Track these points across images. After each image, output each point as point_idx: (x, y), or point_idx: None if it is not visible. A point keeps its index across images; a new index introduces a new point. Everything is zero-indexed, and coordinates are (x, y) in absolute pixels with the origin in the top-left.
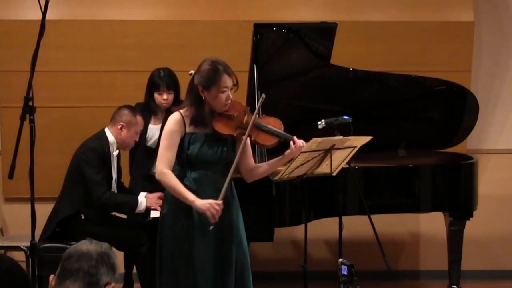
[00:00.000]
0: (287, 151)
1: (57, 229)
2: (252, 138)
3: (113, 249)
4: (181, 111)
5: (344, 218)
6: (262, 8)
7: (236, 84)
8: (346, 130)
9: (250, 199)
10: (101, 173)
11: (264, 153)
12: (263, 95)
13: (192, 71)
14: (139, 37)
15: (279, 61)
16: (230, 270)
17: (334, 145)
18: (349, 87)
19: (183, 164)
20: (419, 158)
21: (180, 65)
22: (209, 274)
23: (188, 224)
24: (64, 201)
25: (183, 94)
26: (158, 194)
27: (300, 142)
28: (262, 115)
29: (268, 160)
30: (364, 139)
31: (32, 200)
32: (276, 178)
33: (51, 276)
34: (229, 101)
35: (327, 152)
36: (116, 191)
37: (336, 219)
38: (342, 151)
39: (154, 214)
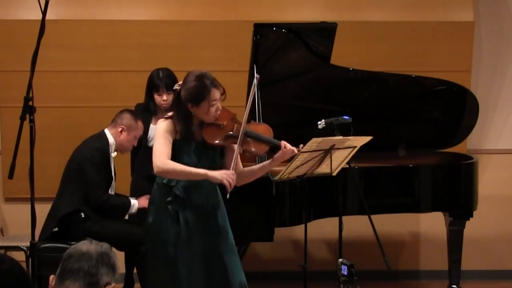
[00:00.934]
0: (276, 155)
1: (57, 228)
2: (243, 148)
3: (114, 249)
4: (172, 120)
5: (344, 218)
6: (262, 8)
7: (223, 93)
8: (346, 130)
9: (250, 199)
10: (102, 175)
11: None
12: (257, 76)
13: (177, 86)
14: (139, 37)
15: (279, 61)
16: (220, 276)
17: (334, 145)
18: (349, 87)
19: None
20: (419, 158)
21: (180, 65)
22: (198, 282)
23: (175, 232)
24: (64, 198)
25: None
26: (146, 195)
27: (289, 146)
28: (251, 122)
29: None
30: (364, 139)
31: (32, 200)
32: (276, 178)
33: (51, 276)
34: (219, 112)
35: (327, 152)
36: (114, 192)
37: (336, 219)
38: (342, 151)
39: None
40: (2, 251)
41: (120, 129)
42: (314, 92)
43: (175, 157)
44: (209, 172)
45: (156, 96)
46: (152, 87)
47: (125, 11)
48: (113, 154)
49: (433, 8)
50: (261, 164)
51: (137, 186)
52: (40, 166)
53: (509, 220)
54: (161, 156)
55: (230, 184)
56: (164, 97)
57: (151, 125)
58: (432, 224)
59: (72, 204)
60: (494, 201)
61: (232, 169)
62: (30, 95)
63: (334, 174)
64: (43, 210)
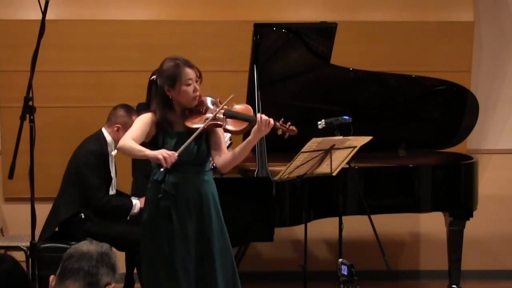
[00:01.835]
0: (254, 128)
1: (57, 229)
2: (224, 127)
3: (114, 249)
4: (152, 113)
5: (344, 218)
6: (262, 8)
7: (200, 76)
8: (346, 130)
9: (250, 199)
10: (101, 177)
11: (264, 154)
12: (232, 95)
13: (154, 76)
14: (139, 37)
15: (279, 61)
16: (212, 273)
17: (334, 145)
18: (349, 87)
19: (161, 167)
20: (419, 158)
21: None
22: (191, 278)
23: (169, 229)
24: (64, 202)
25: None
26: None
27: (264, 117)
28: (233, 105)
29: (268, 159)
30: (364, 139)
31: (32, 200)
32: (276, 178)
33: (51, 276)
34: (197, 93)
35: (327, 152)
36: (115, 191)
37: (336, 219)
38: (342, 151)
39: None
40: (2, 251)
41: (116, 128)
42: (314, 92)
43: (160, 148)
44: (147, 150)
45: None
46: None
47: (125, 11)
48: (113, 153)
49: (433, 8)
50: (242, 144)
51: (138, 185)
52: (40, 166)
53: (509, 220)
54: (126, 136)
55: (165, 159)
56: None
57: None
58: (432, 224)
59: (73, 207)
60: (494, 201)
61: (180, 150)
62: (30, 95)
63: (334, 174)
64: (43, 210)
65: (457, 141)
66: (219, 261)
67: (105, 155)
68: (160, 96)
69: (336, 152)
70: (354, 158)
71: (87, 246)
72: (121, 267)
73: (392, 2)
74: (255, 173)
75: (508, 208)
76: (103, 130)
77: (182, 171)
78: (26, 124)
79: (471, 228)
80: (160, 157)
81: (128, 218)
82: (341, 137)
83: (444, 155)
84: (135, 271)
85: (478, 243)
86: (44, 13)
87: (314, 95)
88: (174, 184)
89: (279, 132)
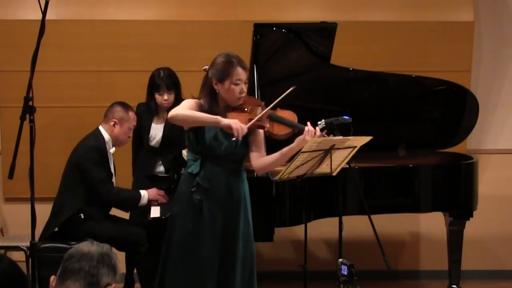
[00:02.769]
0: (300, 137)
1: (57, 229)
2: (266, 130)
3: (114, 249)
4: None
5: (344, 218)
6: (262, 8)
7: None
8: (346, 130)
9: (251, 199)
10: (105, 171)
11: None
12: (294, 87)
13: (206, 66)
14: (139, 37)
15: (279, 61)
16: (234, 269)
17: (334, 145)
18: (349, 87)
19: (197, 157)
20: (419, 158)
21: (180, 65)
22: (214, 272)
23: (199, 222)
24: (66, 200)
25: (184, 94)
26: (157, 190)
27: (311, 128)
28: (277, 109)
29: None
30: (364, 139)
31: (32, 200)
32: (276, 178)
33: (52, 277)
34: (243, 95)
35: (327, 152)
36: None
37: (336, 219)
38: (342, 151)
39: (154, 214)
40: (2, 251)
41: (112, 123)
42: (314, 92)
43: (200, 139)
44: (220, 118)
45: (157, 96)
46: (153, 86)
47: (125, 11)
48: (112, 150)
49: (433, 8)
50: (284, 149)
51: (138, 185)
52: (40, 166)
53: (509, 220)
54: (179, 107)
55: (237, 130)
56: (165, 97)
57: (153, 125)
58: (432, 224)
59: (75, 205)
60: (494, 201)
61: (248, 127)
62: (30, 95)
63: (334, 174)
64: (43, 210)
65: (457, 141)
66: (240, 259)
67: (105, 152)
68: (208, 87)
69: (336, 152)
70: (354, 158)
71: (87, 246)
72: (121, 267)
73: (392, 2)
74: (255, 173)
75: (508, 208)
76: (100, 128)
77: (218, 166)
78: (26, 124)
79: (471, 228)
80: (235, 126)
81: (127, 217)
82: (341, 137)
83: (444, 155)
84: (135, 271)
85: (478, 243)
86: (44, 13)
87: (314, 95)
88: (209, 179)
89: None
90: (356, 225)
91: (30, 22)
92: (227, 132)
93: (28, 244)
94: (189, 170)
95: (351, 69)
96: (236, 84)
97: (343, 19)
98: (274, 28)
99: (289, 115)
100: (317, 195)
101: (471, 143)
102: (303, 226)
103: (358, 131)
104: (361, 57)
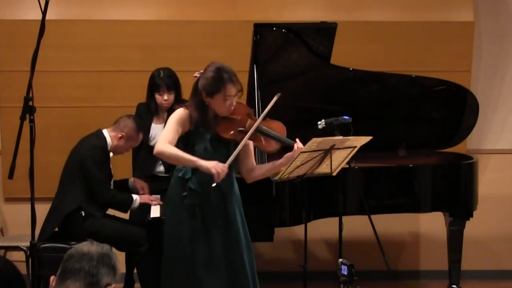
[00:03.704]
0: (288, 154)
1: (57, 227)
2: (255, 143)
3: (114, 249)
4: (188, 109)
5: (344, 218)
6: (262, 8)
7: (240, 90)
8: (346, 130)
9: (251, 199)
10: (105, 171)
11: (264, 155)
12: (279, 94)
13: (197, 74)
14: (139, 37)
15: (279, 61)
16: (240, 269)
17: (334, 145)
18: (349, 87)
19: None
20: (419, 158)
21: (180, 65)
22: (214, 273)
23: (192, 226)
24: (65, 197)
25: (184, 94)
26: (148, 196)
27: (300, 145)
28: (266, 119)
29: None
30: (364, 139)
31: (32, 200)
32: (276, 178)
33: (52, 277)
34: (232, 107)
35: (327, 152)
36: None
37: (336, 219)
38: (342, 151)
39: (154, 213)
40: (2, 251)
41: (120, 136)
42: (314, 92)
43: (190, 147)
44: (200, 160)
45: (157, 96)
46: (153, 86)
47: (125, 11)
48: (111, 154)
49: (433, 8)
50: (273, 162)
51: None
52: (40, 166)
53: (509, 220)
54: (162, 140)
55: (218, 174)
56: (165, 97)
57: (153, 125)
58: (432, 224)
59: (75, 201)
60: (494, 201)
61: (228, 164)
62: (30, 95)
63: (334, 174)
64: (43, 210)
65: (457, 141)
66: (246, 252)
67: (107, 153)
68: (197, 98)
69: (336, 152)
70: (354, 158)
71: (87, 246)
72: (121, 267)
73: (392, 2)
74: None
75: (508, 208)
76: (104, 131)
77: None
78: (26, 124)
79: (471, 228)
80: (214, 171)
81: (127, 217)
82: (341, 137)
83: (444, 155)
84: (135, 271)
85: (478, 243)
86: (44, 13)
87: (314, 95)
88: (201, 183)
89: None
90: (356, 225)
91: (30, 22)
92: (218, 144)
93: (28, 244)
94: (180, 175)
95: (351, 69)
96: (226, 100)
97: (343, 19)
98: (274, 28)
99: (278, 127)
100: (317, 195)
101: (471, 143)
102: (303, 226)
103: (358, 131)
104: (361, 57)
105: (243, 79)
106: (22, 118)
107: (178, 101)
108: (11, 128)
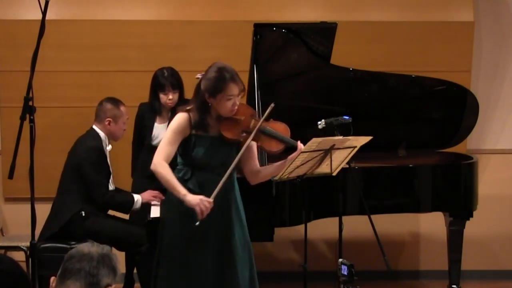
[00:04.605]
0: (291, 155)
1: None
2: (258, 144)
3: (114, 249)
4: (190, 113)
5: (344, 218)
6: (262, 8)
7: (243, 90)
8: (346, 130)
9: (251, 199)
10: (102, 173)
11: (264, 156)
12: (272, 105)
13: (199, 75)
14: (139, 37)
15: (279, 61)
16: (233, 272)
17: (334, 145)
18: (349, 87)
19: (188, 166)
20: (419, 158)
21: (180, 65)
22: (209, 278)
23: (190, 227)
24: (66, 200)
25: (187, 93)
26: (149, 191)
27: (301, 144)
28: (269, 120)
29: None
30: (364, 139)
31: (32, 200)
32: (276, 178)
33: (52, 278)
34: (235, 107)
35: (327, 152)
36: (114, 187)
37: (336, 219)
38: (342, 151)
39: (154, 213)
40: (2, 251)
41: (107, 122)
42: (314, 92)
43: (191, 151)
44: (187, 195)
45: (161, 95)
46: (157, 86)
47: (125, 11)
48: (109, 148)
49: (433, 8)
50: (276, 163)
51: (138, 185)
52: (40, 166)
53: (509, 220)
54: (160, 154)
55: (202, 212)
56: (170, 96)
57: (156, 124)
58: (432, 224)
59: (76, 204)
60: (494, 201)
61: (235, 164)
62: (30, 95)
63: (334, 174)
64: (43, 210)
65: (457, 141)
66: (240, 258)
67: (103, 152)
68: (200, 99)
69: (336, 152)
70: (354, 158)
71: (88, 247)
72: (121, 267)
73: (392, 2)
74: None
75: (508, 208)
76: (94, 127)
77: (208, 171)
78: (26, 124)
79: (471, 228)
80: (198, 209)
81: (127, 217)
82: (341, 137)
83: (444, 155)
84: (135, 271)
85: (478, 243)
86: (44, 13)
87: (314, 95)
88: (200, 184)
89: None
90: (356, 225)
91: (30, 22)
92: (220, 146)
93: (28, 244)
94: (179, 175)
95: (351, 69)
96: (229, 100)
97: (343, 19)
98: (274, 28)
99: (282, 128)
100: (317, 195)
101: (471, 143)
102: (303, 226)
103: (358, 131)
104: (361, 57)
105: (243, 79)
106: (22, 118)
107: (181, 101)
108: (11, 128)
